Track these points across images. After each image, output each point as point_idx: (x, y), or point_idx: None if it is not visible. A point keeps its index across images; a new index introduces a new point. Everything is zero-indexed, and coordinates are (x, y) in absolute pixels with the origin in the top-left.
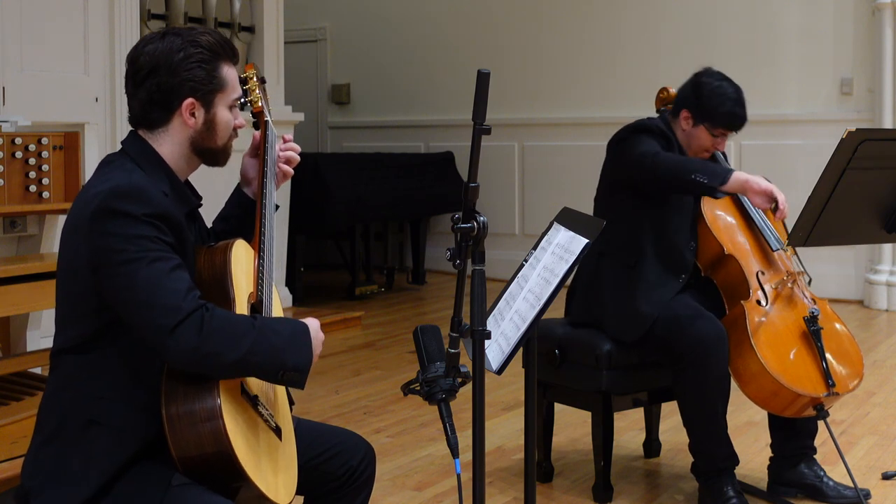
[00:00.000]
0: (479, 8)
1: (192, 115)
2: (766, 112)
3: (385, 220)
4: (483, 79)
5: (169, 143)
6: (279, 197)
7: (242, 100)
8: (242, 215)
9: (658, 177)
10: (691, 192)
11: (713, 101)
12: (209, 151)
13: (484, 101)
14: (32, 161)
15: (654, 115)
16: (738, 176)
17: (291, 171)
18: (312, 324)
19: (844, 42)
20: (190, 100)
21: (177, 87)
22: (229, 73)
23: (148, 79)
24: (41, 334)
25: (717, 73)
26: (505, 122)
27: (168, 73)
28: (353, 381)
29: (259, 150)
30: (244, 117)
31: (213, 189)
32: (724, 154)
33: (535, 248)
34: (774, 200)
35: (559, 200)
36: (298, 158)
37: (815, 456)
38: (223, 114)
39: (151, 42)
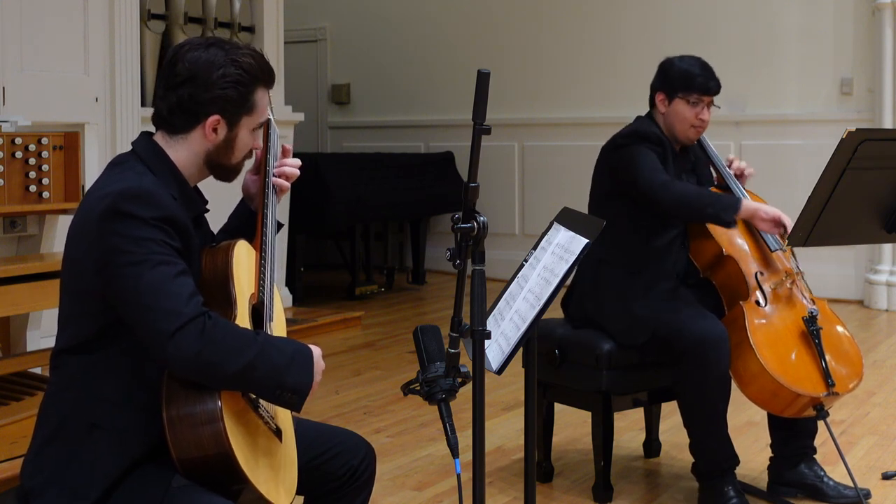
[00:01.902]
0: (479, 8)
1: (215, 131)
2: (766, 112)
3: (385, 220)
4: (483, 79)
5: (185, 151)
6: (281, 205)
7: None
8: (243, 227)
9: (669, 209)
10: (703, 223)
11: (680, 70)
12: (221, 167)
13: (484, 101)
14: (32, 161)
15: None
16: (748, 205)
17: (288, 186)
18: (315, 350)
19: (844, 42)
20: (216, 117)
21: (207, 102)
22: (261, 98)
23: (182, 86)
24: (41, 334)
25: (679, 56)
26: (505, 122)
27: (203, 86)
28: (353, 381)
29: (262, 147)
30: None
31: (217, 195)
32: (704, 145)
33: (535, 248)
34: (783, 226)
35: (559, 200)
36: (298, 173)
37: (815, 456)
38: (244, 136)
39: (195, 50)
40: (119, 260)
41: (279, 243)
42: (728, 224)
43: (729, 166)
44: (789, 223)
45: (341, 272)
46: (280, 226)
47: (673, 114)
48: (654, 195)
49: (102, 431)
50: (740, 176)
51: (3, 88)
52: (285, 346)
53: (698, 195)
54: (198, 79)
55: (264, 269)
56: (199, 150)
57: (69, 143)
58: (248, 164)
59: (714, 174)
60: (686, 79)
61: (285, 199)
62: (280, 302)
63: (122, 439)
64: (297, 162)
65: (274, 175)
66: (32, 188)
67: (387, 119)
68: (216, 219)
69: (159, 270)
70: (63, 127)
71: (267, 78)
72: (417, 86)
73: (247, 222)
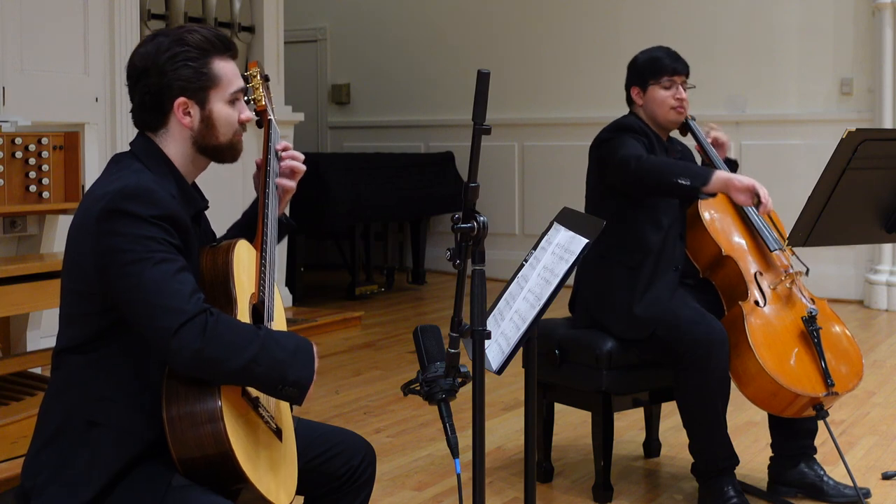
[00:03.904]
0: (479, 8)
1: (188, 114)
2: (766, 112)
3: (385, 220)
4: (483, 79)
5: (173, 145)
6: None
7: (246, 97)
8: (255, 227)
9: (642, 181)
10: (675, 196)
11: (645, 59)
12: (213, 149)
13: (484, 101)
14: (32, 161)
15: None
16: (720, 175)
17: (293, 186)
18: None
19: (844, 42)
20: (181, 99)
21: (165, 87)
22: (223, 67)
23: (139, 82)
24: (41, 334)
25: (641, 50)
26: (505, 122)
27: (156, 74)
28: (353, 381)
29: (262, 148)
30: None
31: (219, 192)
32: (692, 123)
33: (535, 248)
34: (757, 195)
35: (559, 200)
36: (303, 168)
37: (815, 456)
38: (221, 109)
39: (143, 45)
40: (120, 259)
41: (278, 245)
42: (697, 192)
43: (707, 135)
44: (763, 192)
45: (341, 272)
46: (293, 227)
47: (651, 101)
48: (628, 168)
49: (101, 428)
50: (719, 146)
51: (3, 88)
52: (286, 340)
53: (670, 166)
54: (149, 69)
55: (264, 268)
56: (184, 140)
57: (69, 143)
58: (250, 140)
59: (704, 157)
60: (653, 64)
61: None
62: (280, 301)
63: (120, 436)
64: (300, 156)
65: (278, 174)
66: (32, 188)
67: (387, 119)
68: (216, 216)
69: (160, 268)
70: (63, 127)
71: (220, 47)
72: (417, 86)
73: (255, 221)
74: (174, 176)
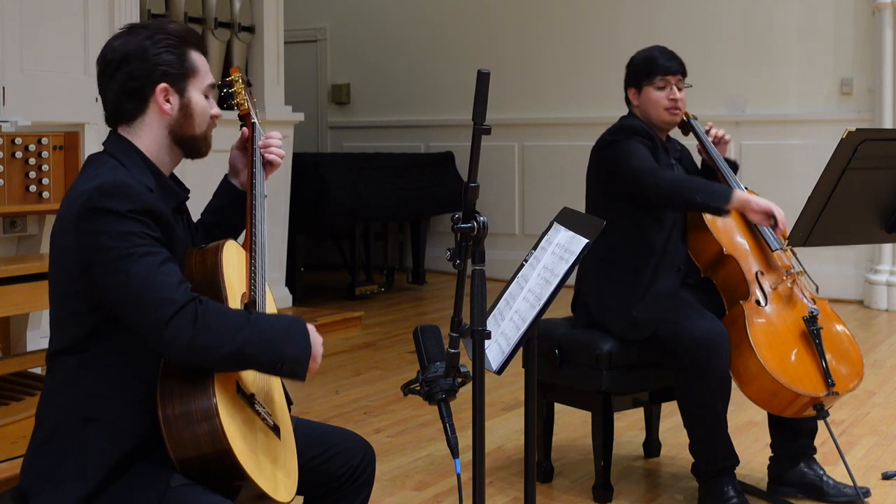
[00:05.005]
0: (479, 8)
1: (168, 101)
2: (766, 112)
3: (385, 220)
4: (483, 79)
5: (148, 135)
6: (278, 197)
7: (230, 102)
8: (229, 206)
9: (660, 198)
10: (693, 211)
11: (640, 60)
12: (189, 139)
13: (484, 101)
14: (32, 161)
15: None
16: (739, 195)
17: (279, 160)
18: (310, 325)
19: (844, 42)
20: (163, 85)
21: (148, 72)
22: (198, 59)
23: (119, 69)
24: (41, 334)
25: (639, 50)
26: (505, 122)
27: (139, 59)
28: (353, 381)
29: (247, 152)
30: (232, 123)
31: (206, 182)
32: (691, 122)
33: (535, 248)
34: (774, 217)
35: (559, 200)
36: (282, 152)
37: (814, 456)
38: (198, 99)
39: (119, 38)
40: (104, 257)
41: (278, 243)
42: (719, 212)
43: (707, 133)
44: (780, 216)
45: (341, 272)
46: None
47: (646, 102)
48: (643, 182)
49: (96, 423)
50: (719, 143)
51: (3, 88)
52: (278, 320)
53: (689, 182)
54: (130, 55)
55: (255, 268)
56: (161, 130)
57: (69, 143)
58: (232, 139)
59: (706, 157)
60: (647, 65)
61: (285, 199)
62: (273, 300)
63: (115, 429)
64: (276, 135)
65: (262, 150)
66: (32, 188)
67: (387, 119)
68: (200, 207)
69: (145, 261)
70: (63, 127)
71: (196, 40)
72: (417, 86)
73: (233, 199)
74: (150, 169)
